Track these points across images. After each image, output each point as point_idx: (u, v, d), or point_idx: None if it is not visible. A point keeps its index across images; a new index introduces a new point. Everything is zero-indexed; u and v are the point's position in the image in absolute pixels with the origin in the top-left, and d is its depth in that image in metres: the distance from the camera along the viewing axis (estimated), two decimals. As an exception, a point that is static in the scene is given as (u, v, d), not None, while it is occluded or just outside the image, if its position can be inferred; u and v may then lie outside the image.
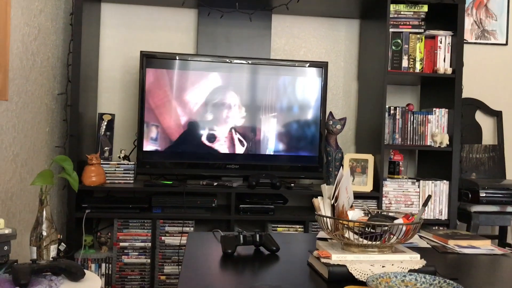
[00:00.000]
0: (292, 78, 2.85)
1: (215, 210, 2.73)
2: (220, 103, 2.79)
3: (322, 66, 2.88)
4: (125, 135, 3.02)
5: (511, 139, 3.36)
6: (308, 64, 2.87)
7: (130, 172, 2.71)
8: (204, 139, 2.78)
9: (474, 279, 1.18)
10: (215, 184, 2.69)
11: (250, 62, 2.82)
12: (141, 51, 2.73)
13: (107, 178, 2.66)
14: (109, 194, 2.86)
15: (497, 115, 3.34)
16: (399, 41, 2.86)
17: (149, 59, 2.73)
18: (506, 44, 3.37)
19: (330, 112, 2.93)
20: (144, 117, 2.72)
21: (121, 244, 2.58)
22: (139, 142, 2.73)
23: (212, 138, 2.79)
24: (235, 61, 2.81)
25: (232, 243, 1.36)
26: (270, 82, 2.84)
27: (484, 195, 2.82)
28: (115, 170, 2.69)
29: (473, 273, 1.24)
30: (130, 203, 2.62)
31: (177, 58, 2.76)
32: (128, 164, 2.71)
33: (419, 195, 2.83)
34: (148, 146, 2.73)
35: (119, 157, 2.77)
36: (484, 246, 1.55)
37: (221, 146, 2.80)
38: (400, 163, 2.94)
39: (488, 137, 3.34)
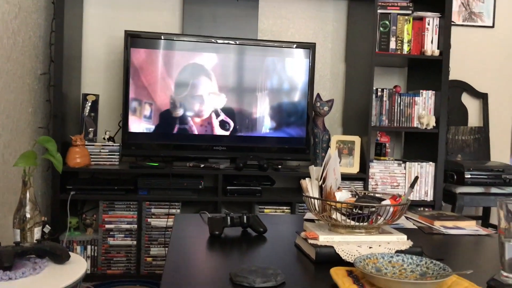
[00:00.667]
0: (279, 59, 2.82)
1: (202, 192, 2.72)
2: (206, 84, 2.76)
3: (310, 47, 2.85)
4: (110, 116, 2.97)
5: (496, 121, 3.38)
6: (296, 45, 2.84)
7: (115, 153, 2.68)
8: (190, 120, 2.76)
9: (460, 259, 1.19)
10: (202, 166, 2.67)
11: (237, 43, 2.78)
12: (125, 31, 2.67)
13: (91, 159, 2.63)
14: (94, 175, 2.83)
15: (483, 97, 3.36)
16: (387, 22, 2.84)
17: (133, 39, 2.68)
18: (493, 26, 3.37)
19: (318, 94, 2.91)
20: (129, 98, 2.68)
21: (107, 226, 2.56)
22: (124, 124, 2.69)
23: (198, 119, 2.76)
24: (222, 41, 2.77)
25: (219, 225, 1.35)
26: (257, 63, 2.81)
27: (469, 176, 2.85)
28: (100, 151, 2.66)
29: (459, 254, 1.26)
30: (116, 185, 2.59)
31: (162, 38, 2.71)
32: (113, 145, 2.68)
33: (405, 177, 2.85)
34: (133, 128, 2.69)
35: (104, 138, 2.73)
36: (469, 227, 1.57)
37: (208, 128, 2.78)
38: (387, 144, 2.95)
39: (474, 119, 3.36)
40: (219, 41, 2.76)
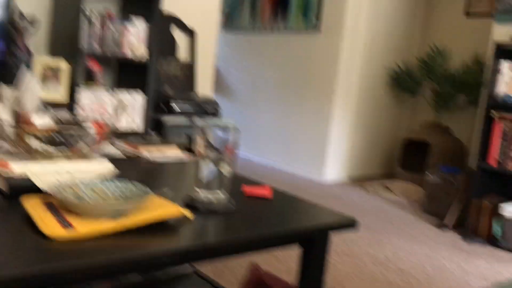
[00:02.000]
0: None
1: None
2: None
3: (8, -49, 2.43)
4: None
5: (202, 57, 3.66)
6: None
7: None
8: None
9: (162, 183, 1.25)
10: None
11: None
12: None
13: None
14: None
15: (192, 33, 3.56)
16: None
17: None
18: (203, -35, 3.55)
19: (20, 11, 2.55)
20: None
21: None
22: None
23: None
24: None
25: None
26: None
27: (176, 107, 3.04)
28: None
29: (162, 178, 1.32)
30: None
31: None
32: None
33: (114, 105, 2.82)
34: None
35: None
36: (174, 153, 1.66)
37: None
38: (98, 72, 2.84)
39: (183, 53, 3.55)
40: None
